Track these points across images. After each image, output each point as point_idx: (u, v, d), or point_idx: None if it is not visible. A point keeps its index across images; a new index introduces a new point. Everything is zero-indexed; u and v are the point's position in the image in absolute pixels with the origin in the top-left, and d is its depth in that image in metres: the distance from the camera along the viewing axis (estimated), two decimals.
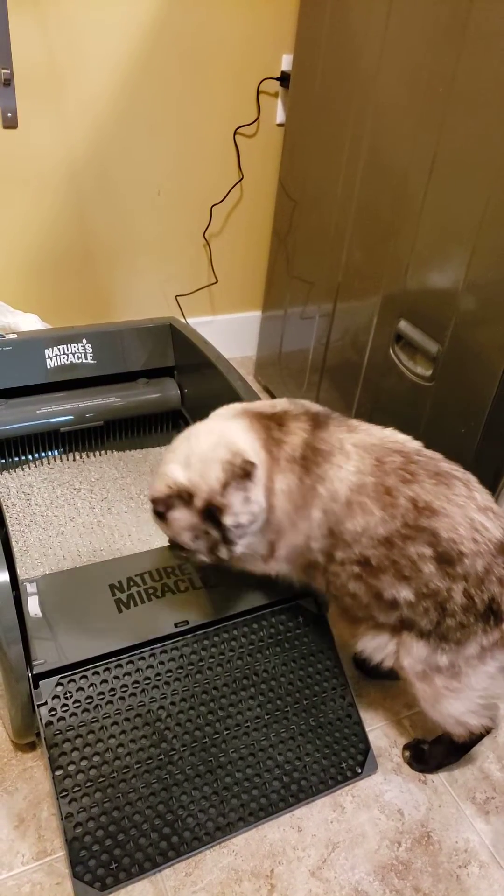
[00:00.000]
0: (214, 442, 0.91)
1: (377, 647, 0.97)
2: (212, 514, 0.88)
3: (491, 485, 0.94)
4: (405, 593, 0.89)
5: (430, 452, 0.93)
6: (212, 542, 0.90)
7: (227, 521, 0.88)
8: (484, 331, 1.13)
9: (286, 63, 1.64)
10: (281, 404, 0.99)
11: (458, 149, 1.12)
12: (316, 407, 0.99)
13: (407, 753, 1.08)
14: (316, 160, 1.53)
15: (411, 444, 0.95)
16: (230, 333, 2.02)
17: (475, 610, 0.87)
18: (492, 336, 1.11)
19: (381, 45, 1.25)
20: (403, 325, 1.31)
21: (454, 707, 0.94)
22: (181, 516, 0.90)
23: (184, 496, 0.89)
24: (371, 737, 1.08)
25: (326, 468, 0.90)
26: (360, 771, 1.04)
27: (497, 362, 1.11)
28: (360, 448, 0.91)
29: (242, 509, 0.88)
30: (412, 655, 0.93)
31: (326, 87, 1.45)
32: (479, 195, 1.09)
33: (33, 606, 1.03)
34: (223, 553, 0.91)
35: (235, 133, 1.71)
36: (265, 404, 1.00)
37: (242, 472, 0.87)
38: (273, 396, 1.94)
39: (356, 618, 0.98)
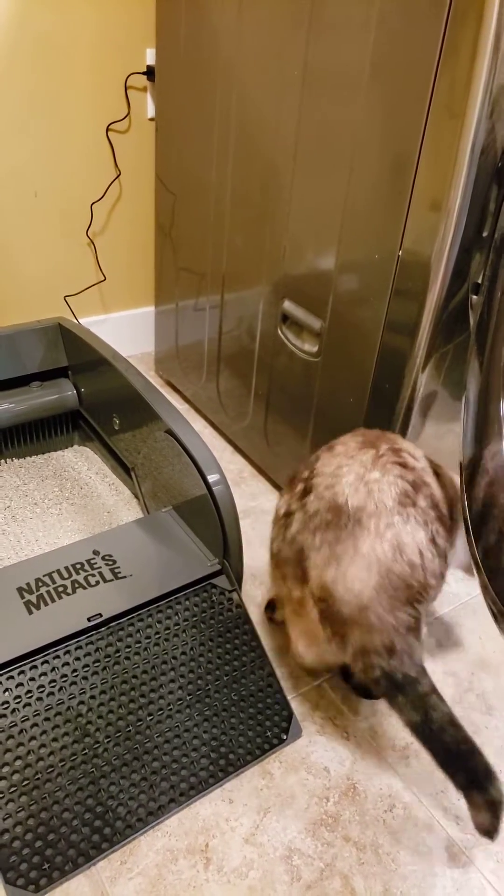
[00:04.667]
0: None
1: None
2: None
3: None
4: None
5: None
6: None
7: None
8: (361, 306, 1.18)
9: (150, 57, 1.65)
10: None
11: (316, 135, 1.17)
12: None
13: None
14: (188, 152, 1.55)
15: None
16: (126, 330, 2.02)
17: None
18: (368, 310, 1.17)
19: (237, 34, 1.28)
20: (287, 304, 1.35)
21: None
22: None
23: None
24: (293, 704, 1.11)
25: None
26: (285, 737, 1.07)
27: (374, 334, 1.16)
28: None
29: None
30: None
31: (190, 78, 1.47)
32: (340, 179, 1.14)
33: None
34: None
35: (108, 129, 1.70)
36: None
37: None
38: (176, 390, 1.95)
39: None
